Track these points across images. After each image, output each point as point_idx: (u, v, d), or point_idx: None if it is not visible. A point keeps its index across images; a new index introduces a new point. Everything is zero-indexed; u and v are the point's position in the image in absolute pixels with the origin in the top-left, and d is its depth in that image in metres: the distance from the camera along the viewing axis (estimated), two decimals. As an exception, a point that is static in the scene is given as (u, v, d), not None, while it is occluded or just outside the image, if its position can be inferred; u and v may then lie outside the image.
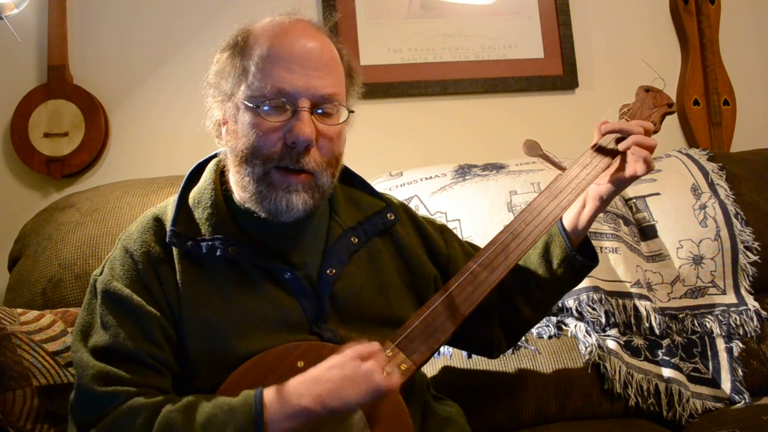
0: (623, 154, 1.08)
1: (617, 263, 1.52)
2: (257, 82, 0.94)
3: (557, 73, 2.10)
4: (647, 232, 1.64)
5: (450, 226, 1.42)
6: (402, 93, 2.02)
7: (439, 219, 1.55)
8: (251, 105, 0.94)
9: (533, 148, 1.11)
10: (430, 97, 2.04)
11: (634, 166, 1.05)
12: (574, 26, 2.12)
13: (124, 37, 1.93)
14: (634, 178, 1.07)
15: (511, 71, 2.08)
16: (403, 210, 1.19)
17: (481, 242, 1.42)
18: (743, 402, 1.41)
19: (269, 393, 0.85)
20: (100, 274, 0.99)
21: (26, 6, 1.75)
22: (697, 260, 1.58)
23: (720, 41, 2.18)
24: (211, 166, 1.06)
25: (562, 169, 1.11)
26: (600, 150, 1.11)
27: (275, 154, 0.94)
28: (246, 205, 0.99)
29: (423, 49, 2.05)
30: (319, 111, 0.96)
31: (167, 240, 0.98)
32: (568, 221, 1.13)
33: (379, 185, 1.64)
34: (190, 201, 1.03)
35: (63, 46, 1.86)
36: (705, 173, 1.69)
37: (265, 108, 0.93)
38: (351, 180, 1.14)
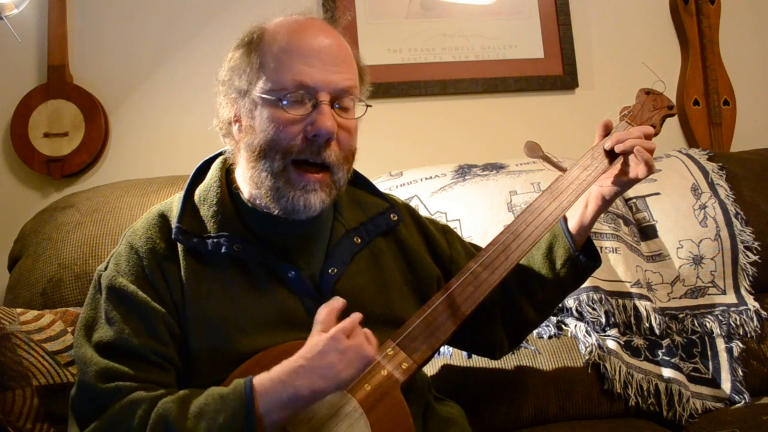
0: (624, 156, 1.08)
1: (617, 263, 1.52)
2: (276, 75, 0.94)
3: (557, 73, 2.09)
4: (647, 232, 1.64)
5: (450, 226, 1.42)
6: (402, 93, 2.02)
7: (439, 219, 1.55)
8: (271, 98, 0.94)
9: (534, 150, 1.11)
10: (430, 97, 2.04)
11: (636, 169, 1.06)
12: (574, 26, 2.12)
13: (124, 37, 1.93)
14: (636, 180, 1.07)
15: (511, 71, 2.08)
16: (407, 210, 1.19)
17: (481, 242, 1.42)
18: (743, 402, 1.41)
19: (260, 382, 0.86)
20: (105, 269, 0.99)
21: (26, 6, 1.75)
22: (697, 260, 1.58)
23: (720, 41, 2.18)
24: (217, 164, 1.07)
25: (563, 170, 1.11)
26: (600, 152, 1.11)
27: (295, 147, 0.94)
28: (257, 202, 0.99)
29: (423, 49, 2.05)
30: (338, 105, 0.96)
31: (173, 236, 0.98)
32: (571, 222, 1.13)
33: (380, 185, 1.63)
34: (196, 198, 1.03)
35: (63, 46, 1.86)
36: (705, 173, 1.69)
37: (285, 101, 0.94)
38: (355, 180, 1.14)
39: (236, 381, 0.87)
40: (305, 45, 0.95)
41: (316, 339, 0.87)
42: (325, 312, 0.91)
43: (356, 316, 0.90)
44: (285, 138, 0.94)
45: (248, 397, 0.84)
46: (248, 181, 0.99)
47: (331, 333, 0.87)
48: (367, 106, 1.01)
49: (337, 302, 0.92)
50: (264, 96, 0.95)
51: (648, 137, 1.09)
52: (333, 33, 1.00)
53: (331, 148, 0.96)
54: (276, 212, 0.97)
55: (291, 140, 0.94)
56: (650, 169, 1.05)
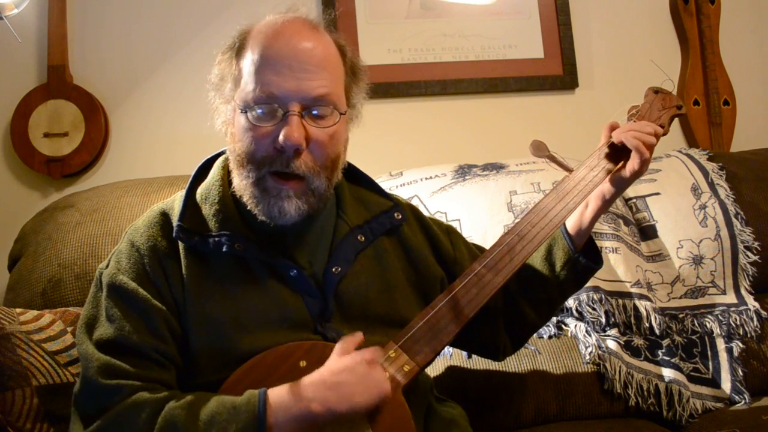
0: (628, 155, 1.07)
1: (617, 263, 1.52)
2: (248, 86, 0.94)
3: (557, 73, 2.09)
4: (647, 232, 1.64)
5: (453, 226, 1.41)
6: (402, 93, 2.01)
7: (440, 219, 1.55)
8: (244, 109, 0.95)
9: (540, 149, 1.11)
10: (430, 97, 2.04)
11: (631, 162, 1.06)
12: (574, 26, 2.12)
13: (124, 37, 1.93)
14: (633, 173, 1.07)
15: (511, 71, 2.07)
16: (411, 210, 1.19)
17: (481, 242, 1.42)
18: (743, 402, 1.42)
19: (274, 394, 0.86)
20: (106, 267, 0.99)
21: (26, 6, 1.74)
22: (697, 260, 1.58)
23: (720, 41, 2.18)
24: (219, 163, 1.06)
25: (569, 170, 1.11)
26: (607, 152, 1.11)
27: (267, 158, 0.94)
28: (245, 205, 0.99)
29: (423, 49, 2.05)
30: (314, 113, 0.95)
31: (174, 235, 0.98)
32: (570, 223, 1.12)
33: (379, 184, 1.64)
34: (198, 197, 1.03)
35: (63, 46, 1.85)
36: (705, 173, 1.69)
37: (256, 113, 0.94)
38: (359, 179, 1.14)
39: (250, 392, 0.86)
40: (275, 52, 0.94)
41: (337, 360, 0.88)
42: (346, 340, 0.92)
43: (377, 353, 0.92)
44: (258, 150, 0.94)
45: (261, 411, 0.83)
46: (237, 185, 0.99)
47: (356, 358, 0.88)
48: (341, 114, 0.98)
49: (358, 336, 0.94)
50: (239, 106, 0.95)
51: (656, 137, 1.09)
52: (311, 35, 0.97)
53: (301, 159, 0.94)
54: (260, 217, 0.97)
55: (263, 152, 0.94)
56: (642, 156, 1.04)
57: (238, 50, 0.97)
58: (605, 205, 1.11)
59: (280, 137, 0.92)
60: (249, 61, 0.95)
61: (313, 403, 0.84)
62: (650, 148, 1.06)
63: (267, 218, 0.96)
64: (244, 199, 0.98)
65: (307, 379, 0.87)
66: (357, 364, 0.87)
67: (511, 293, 1.17)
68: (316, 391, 0.85)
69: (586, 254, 1.13)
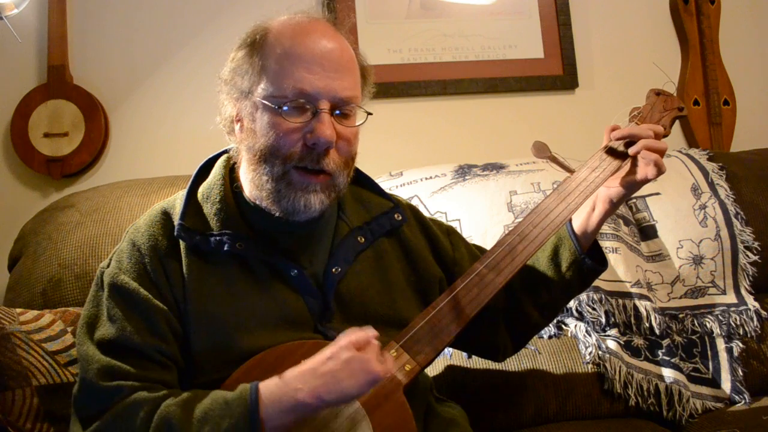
0: (633, 157, 1.07)
1: (617, 263, 1.52)
2: (277, 81, 0.94)
3: (557, 73, 2.09)
4: (647, 232, 1.64)
5: (453, 227, 1.42)
6: (402, 93, 2.02)
7: (440, 219, 1.55)
8: (271, 104, 0.94)
9: (542, 150, 1.11)
10: (430, 97, 2.04)
11: (645, 169, 1.05)
12: (574, 26, 2.12)
13: (124, 37, 1.93)
14: (645, 181, 1.07)
15: (511, 71, 2.08)
16: (411, 211, 1.19)
17: (481, 242, 1.42)
18: (743, 402, 1.42)
19: (265, 387, 0.86)
20: (107, 266, 0.99)
21: (26, 6, 1.75)
22: (697, 260, 1.58)
23: (720, 41, 2.18)
24: (221, 162, 1.07)
25: (571, 171, 1.11)
26: (609, 152, 1.11)
27: (295, 154, 0.94)
28: (257, 203, 0.99)
29: (423, 49, 2.05)
30: (338, 112, 0.96)
31: (175, 234, 0.98)
32: (577, 224, 1.12)
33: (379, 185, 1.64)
34: (199, 196, 1.03)
35: (63, 46, 1.85)
36: (705, 173, 1.69)
37: (285, 108, 0.93)
38: (359, 180, 1.14)
39: (242, 386, 0.87)
40: (307, 50, 0.94)
41: (328, 348, 0.87)
42: (351, 332, 0.88)
43: (372, 333, 0.88)
44: (285, 145, 0.94)
45: (253, 404, 0.83)
46: (249, 183, 0.99)
47: (342, 342, 0.86)
48: (368, 113, 1.00)
49: (371, 332, 0.89)
50: (264, 101, 0.95)
51: (657, 137, 1.09)
52: (336, 36, 0.99)
53: (330, 156, 0.95)
54: (277, 214, 0.97)
55: (291, 147, 0.94)
56: (660, 170, 1.05)
57: (258, 45, 0.97)
58: (612, 209, 1.10)
59: (314, 134, 0.93)
60: (276, 56, 0.95)
61: (302, 394, 0.83)
62: (663, 154, 1.06)
63: (288, 213, 0.96)
64: (261, 196, 0.97)
65: (297, 370, 0.86)
66: (344, 351, 0.85)
67: (515, 293, 1.17)
68: (305, 381, 0.84)
69: (591, 257, 1.13)
